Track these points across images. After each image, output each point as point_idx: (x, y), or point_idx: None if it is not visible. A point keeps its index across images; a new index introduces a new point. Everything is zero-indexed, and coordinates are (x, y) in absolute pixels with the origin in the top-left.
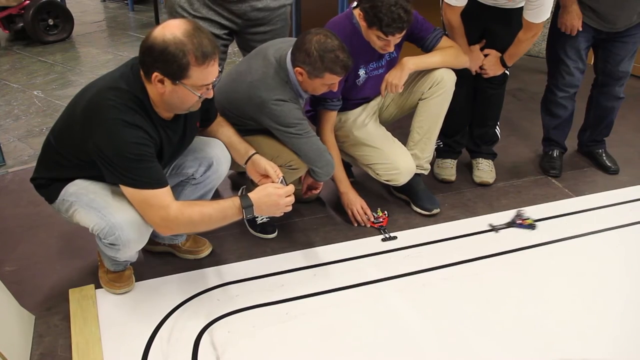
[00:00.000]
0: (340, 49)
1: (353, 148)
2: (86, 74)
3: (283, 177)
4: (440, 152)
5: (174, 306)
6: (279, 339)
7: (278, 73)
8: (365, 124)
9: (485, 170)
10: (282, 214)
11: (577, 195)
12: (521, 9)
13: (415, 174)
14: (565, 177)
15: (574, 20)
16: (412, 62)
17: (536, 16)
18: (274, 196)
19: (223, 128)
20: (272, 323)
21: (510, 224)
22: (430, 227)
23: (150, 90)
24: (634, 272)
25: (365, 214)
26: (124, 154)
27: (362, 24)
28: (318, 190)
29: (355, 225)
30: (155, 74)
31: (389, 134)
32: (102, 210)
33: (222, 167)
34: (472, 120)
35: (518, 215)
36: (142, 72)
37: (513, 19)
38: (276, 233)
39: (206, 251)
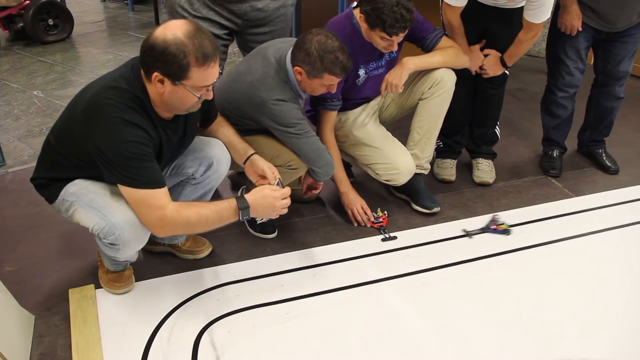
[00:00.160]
0: (340, 50)
1: (353, 148)
2: (86, 74)
3: (279, 179)
4: (440, 152)
5: (174, 306)
6: (279, 339)
7: (278, 73)
8: (365, 123)
9: (485, 170)
10: (277, 216)
11: (577, 195)
12: (521, 9)
13: (416, 174)
14: (565, 177)
15: (574, 20)
16: (412, 62)
17: (537, 16)
18: (270, 198)
19: (223, 128)
20: (272, 323)
21: (485, 230)
22: (430, 227)
23: (150, 90)
24: (634, 272)
25: (365, 214)
26: (123, 152)
27: (364, 25)
28: (318, 190)
29: (355, 225)
30: (155, 73)
31: (389, 133)
32: (102, 210)
33: (222, 167)
34: (472, 120)
35: (493, 221)
36: (142, 72)
37: (513, 19)
38: (276, 233)
39: (206, 251)
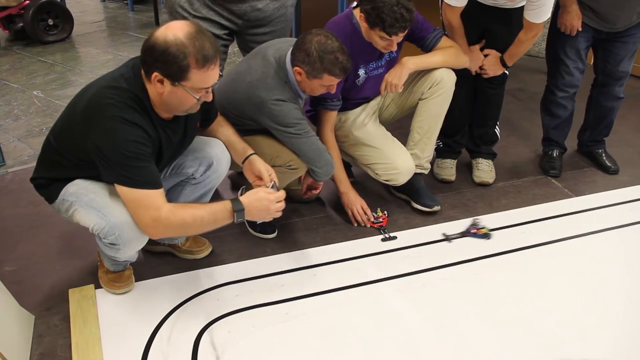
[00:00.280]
0: (340, 51)
1: (353, 148)
2: (86, 74)
3: (275, 182)
4: (440, 152)
5: (174, 306)
6: (279, 339)
7: (277, 73)
8: (365, 123)
9: (485, 170)
10: (272, 218)
11: (577, 195)
12: (521, 9)
13: (415, 173)
14: (565, 177)
15: (574, 20)
16: (412, 62)
17: (537, 16)
18: (265, 201)
19: (222, 127)
20: (272, 323)
21: (465, 234)
22: (430, 227)
23: (150, 90)
24: (634, 272)
25: (365, 214)
26: (121, 151)
27: (364, 25)
28: (318, 191)
29: (355, 225)
30: (155, 74)
31: (389, 133)
32: (102, 210)
33: (222, 167)
34: (472, 120)
35: (473, 225)
36: (142, 72)
37: (513, 19)
38: (276, 233)
39: (206, 251)
